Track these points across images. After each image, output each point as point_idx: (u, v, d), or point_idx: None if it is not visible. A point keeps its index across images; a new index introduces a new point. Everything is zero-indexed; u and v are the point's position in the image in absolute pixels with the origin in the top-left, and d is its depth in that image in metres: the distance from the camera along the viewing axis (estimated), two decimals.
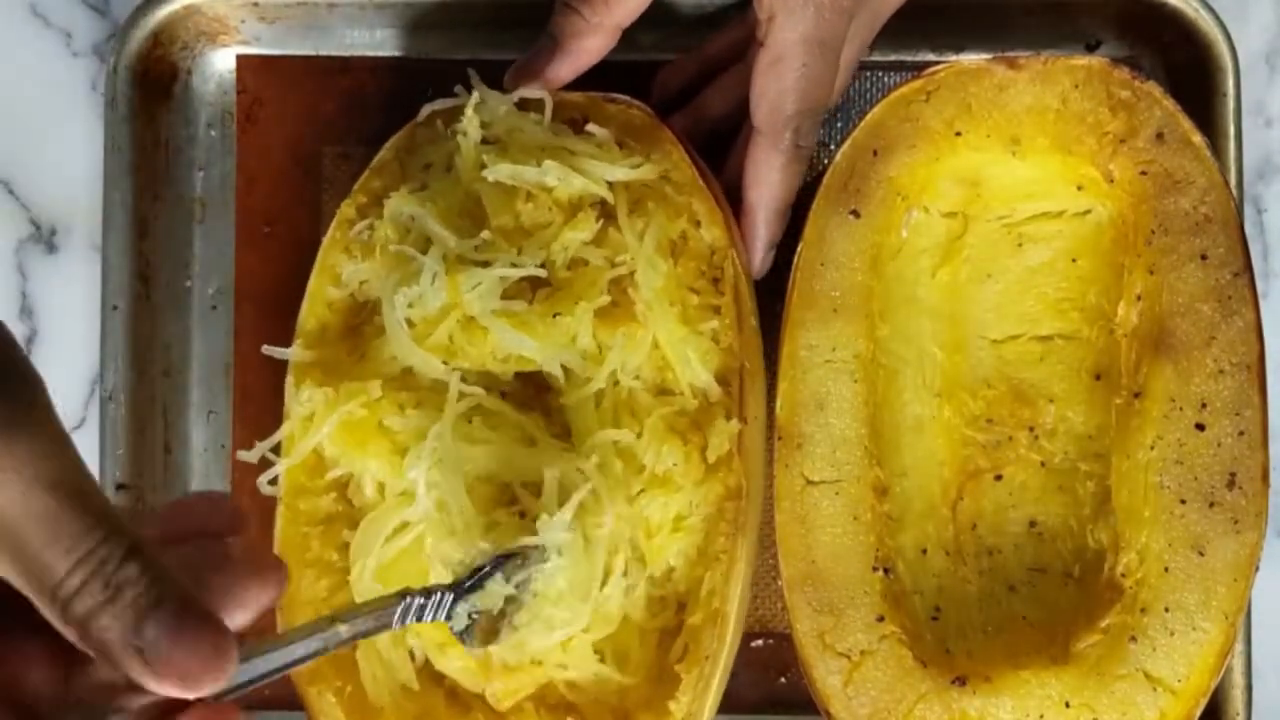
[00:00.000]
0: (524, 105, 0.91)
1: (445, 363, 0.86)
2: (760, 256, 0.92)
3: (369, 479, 0.88)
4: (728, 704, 0.96)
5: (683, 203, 0.89)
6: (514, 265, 0.86)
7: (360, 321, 0.91)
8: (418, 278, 0.85)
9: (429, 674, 0.89)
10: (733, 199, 0.91)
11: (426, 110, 0.92)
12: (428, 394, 0.87)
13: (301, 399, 0.87)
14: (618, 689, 0.87)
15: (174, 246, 1.03)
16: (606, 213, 0.89)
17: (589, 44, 0.91)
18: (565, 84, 0.92)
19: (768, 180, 0.90)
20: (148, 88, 1.01)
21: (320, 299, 0.90)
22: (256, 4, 1.01)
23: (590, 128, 0.89)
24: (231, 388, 1.03)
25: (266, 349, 0.90)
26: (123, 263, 0.99)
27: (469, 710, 0.87)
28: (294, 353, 0.89)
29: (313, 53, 1.04)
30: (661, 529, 0.86)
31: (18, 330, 1.03)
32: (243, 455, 0.88)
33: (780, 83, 0.87)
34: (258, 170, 1.04)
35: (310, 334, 0.90)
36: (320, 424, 0.86)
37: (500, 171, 0.87)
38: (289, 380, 0.89)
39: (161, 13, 0.99)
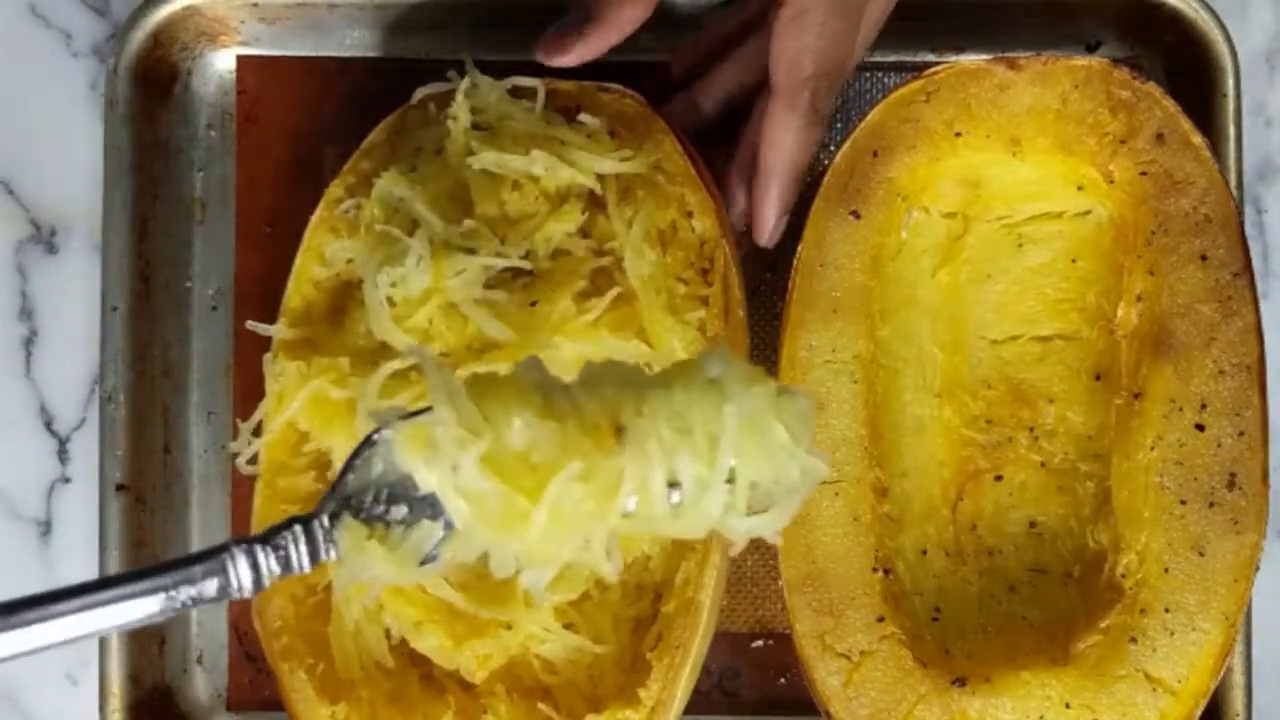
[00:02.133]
0: (517, 92, 0.91)
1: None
2: (772, 222, 0.89)
3: (338, 456, 0.89)
4: (728, 704, 0.96)
5: (674, 193, 0.89)
6: (499, 255, 0.86)
7: (345, 301, 0.91)
8: (402, 259, 0.86)
9: (404, 653, 0.89)
10: (748, 170, 0.90)
11: (420, 93, 0.93)
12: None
13: (276, 373, 0.88)
14: (591, 667, 0.87)
15: (174, 246, 1.03)
16: (596, 201, 0.89)
17: (628, 12, 0.87)
18: (598, 57, 0.89)
19: (783, 142, 0.86)
20: (147, 88, 1.01)
21: (306, 278, 0.91)
22: (256, 4, 1.01)
23: (583, 117, 0.90)
24: (231, 388, 1.03)
25: (251, 324, 0.90)
26: (123, 263, 0.99)
27: (443, 691, 0.88)
28: (277, 330, 0.90)
29: (313, 53, 1.04)
30: None
31: (18, 330, 1.03)
32: (231, 447, 0.89)
33: (799, 40, 0.84)
34: (258, 170, 1.04)
35: (294, 312, 0.91)
36: (292, 398, 0.87)
37: (487, 160, 0.88)
38: (267, 356, 0.90)
39: (161, 13, 0.99)
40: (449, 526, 0.65)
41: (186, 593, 0.64)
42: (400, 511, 0.67)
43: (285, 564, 0.66)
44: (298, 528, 0.66)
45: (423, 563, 0.67)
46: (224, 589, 0.65)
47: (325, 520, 0.67)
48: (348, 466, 0.67)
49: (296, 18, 1.02)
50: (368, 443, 0.67)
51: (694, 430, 0.63)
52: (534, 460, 0.63)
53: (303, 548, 0.66)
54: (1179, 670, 0.83)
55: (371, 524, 0.67)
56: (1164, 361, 0.87)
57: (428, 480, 0.64)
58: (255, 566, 0.65)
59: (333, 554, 0.67)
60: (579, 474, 0.62)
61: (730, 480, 0.64)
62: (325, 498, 0.67)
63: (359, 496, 0.67)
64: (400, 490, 0.67)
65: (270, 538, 0.66)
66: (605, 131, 0.90)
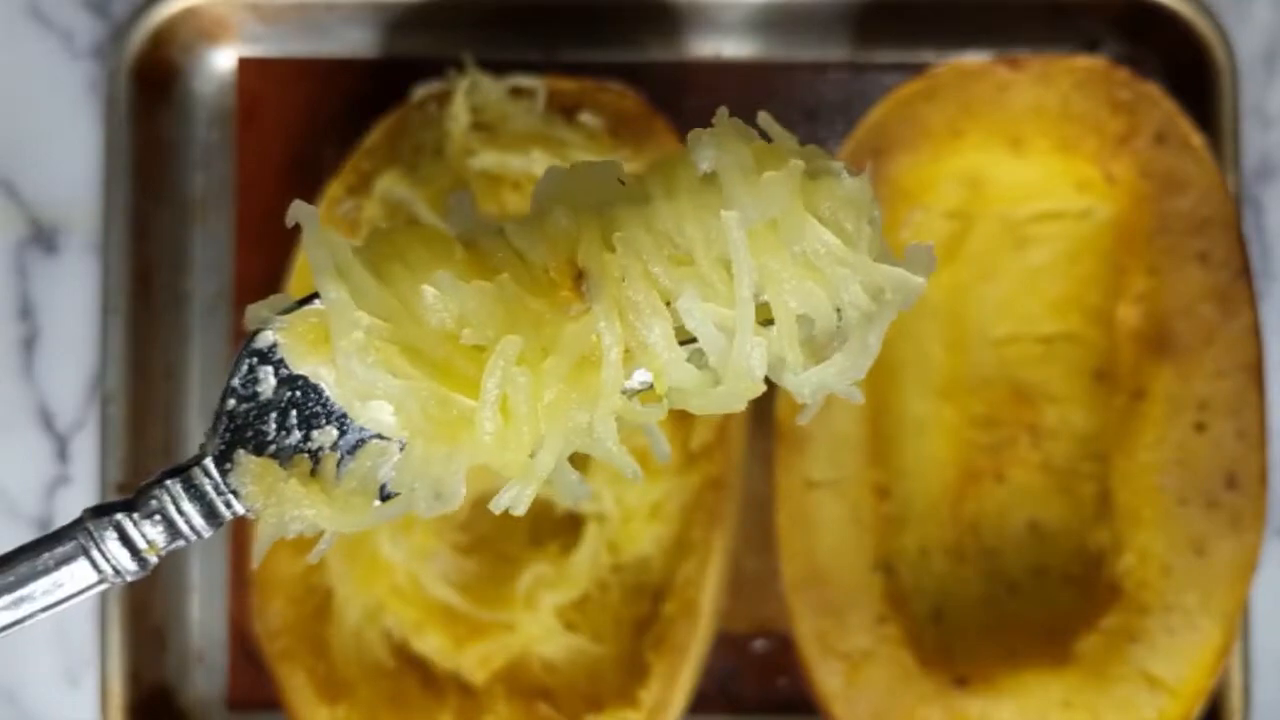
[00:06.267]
0: (517, 92, 0.91)
1: None
2: None
3: None
4: (729, 704, 0.96)
5: None
6: None
7: None
8: None
9: (403, 654, 0.90)
10: None
11: (420, 92, 0.93)
12: None
13: None
14: (591, 668, 0.87)
15: (174, 247, 1.03)
16: None
17: None
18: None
19: None
20: (148, 89, 1.01)
21: (306, 277, 0.91)
22: (256, 5, 1.01)
23: (583, 117, 0.90)
24: None
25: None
26: (123, 263, 0.99)
27: (442, 692, 0.88)
28: None
29: (312, 54, 1.04)
30: (638, 514, 0.87)
31: (18, 330, 1.03)
32: None
33: None
34: (258, 170, 1.03)
35: None
36: None
37: (487, 160, 0.88)
38: None
39: (161, 14, 0.99)
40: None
41: (40, 588, 0.50)
42: (327, 436, 0.50)
43: (171, 530, 0.50)
44: (172, 482, 0.50)
45: (385, 498, 0.50)
46: (95, 573, 0.50)
47: (209, 466, 0.50)
48: (227, 390, 0.51)
49: (296, 18, 1.02)
50: (247, 353, 0.51)
51: (695, 253, 0.45)
52: (465, 339, 0.46)
53: (187, 505, 0.50)
54: (1179, 669, 0.83)
55: (287, 459, 0.50)
56: (1164, 361, 0.87)
57: (330, 386, 0.49)
58: (126, 539, 0.50)
59: (239, 507, 0.50)
60: (522, 354, 0.45)
61: (768, 321, 0.46)
62: (206, 437, 0.51)
63: (256, 427, 0.50)
64: (316, 407, 0.50)
65: (138, 501, 0.51)
66: (605, 131, 0.90)
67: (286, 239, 0.93)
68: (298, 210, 0.51)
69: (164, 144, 1.03)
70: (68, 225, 1.05)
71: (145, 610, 0.98)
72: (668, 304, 0.46)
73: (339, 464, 0.50)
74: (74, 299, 1.04)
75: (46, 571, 0.50)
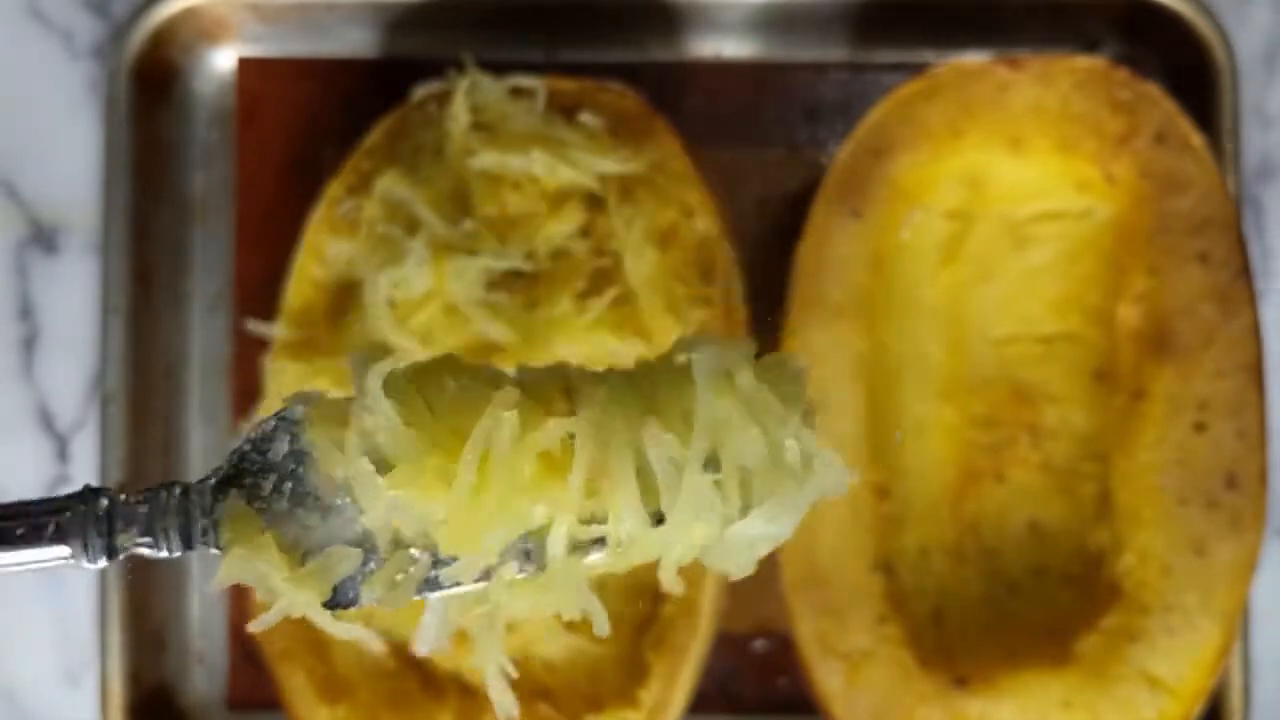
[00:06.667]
0: (516, 92, 0.91)
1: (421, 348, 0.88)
2: None
3: None
4: (729, 704, 0.96)
5: (674, 193, 0.90)
6: (500, 256, 0.87)
7: (345, 301, 0.91)
8: (403, 260, 0.86)
9: (403, 654, 0.90)
10: None
11: (420, 92, 0.93)
12: None
13: (275, 373, 0.89)
14: (591, 667, 0.87)
15: (174, 247, 1.03)
16: (596, 201, 0.89)
17: None
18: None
19: None
20: (148, 88, 1.01)
21: (306, 278, 0.91)
22: (256, 5, 1.01)
23: (583, 117, 0.90)
24: (231, 388, 1.03)
25: (251, 325, 0.90)
26: (123, 263, 0.99)
27: (442, 693, 0.88)
28: (277, 330, 0.90)
29: (312, 54, 1.04)
30: None
31: (18, 330, 1.03)
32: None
33: None
34: (258, 170, 1.03)
35: (294, 313, 0.91)
36: None
37: (487, 160, 0.88)
38: (268, 358, 0.90)
39: (161, 14, 0.99)
40: (369, 562, 0.54)
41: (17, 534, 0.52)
42: (310, 518, 0.55)
43: (148, 529, 0.53)
44: (170, 490, 0.54)
45: (335, 603, 0.55)
46: (67, 539, 0.53)
47: (207, 488, 0.54)
48: (248, 439, 0.55)
49: (296, 18, 1.02)
50: (277, 416, 0.55)
51: (662, 406, 0.53)
52: (464, 428, 0.52)
53: (173, 518, 0.54)
54: (1179, 669, 0.83)
55: (270, 519, 0.54)
56: (1164, 361, 0.87)
57: (328, 454, 0.53)
58: (110, 519, 0.53)
59: (212, 540, 0.54)
60: (513, 407, 0.52)
61: (717, 480, 0.53)
62: (215, 472, 0.55)
63: (257, 480, 0.54)
64: (309, 489, 0.54)
65: (138, 495, 0.54)
66: (605, 131, 0.90)
67: (286, 239, 0.94)
68: (354, 359, 0.55)
69: (164, 144, 1.03)
70: (68, 225, 1.05)
71: (145, 610, 0.98)
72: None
73: (307, 552, 0.54)
74: (74, 299, 1.04)
75: (32, 515, 0.53)
